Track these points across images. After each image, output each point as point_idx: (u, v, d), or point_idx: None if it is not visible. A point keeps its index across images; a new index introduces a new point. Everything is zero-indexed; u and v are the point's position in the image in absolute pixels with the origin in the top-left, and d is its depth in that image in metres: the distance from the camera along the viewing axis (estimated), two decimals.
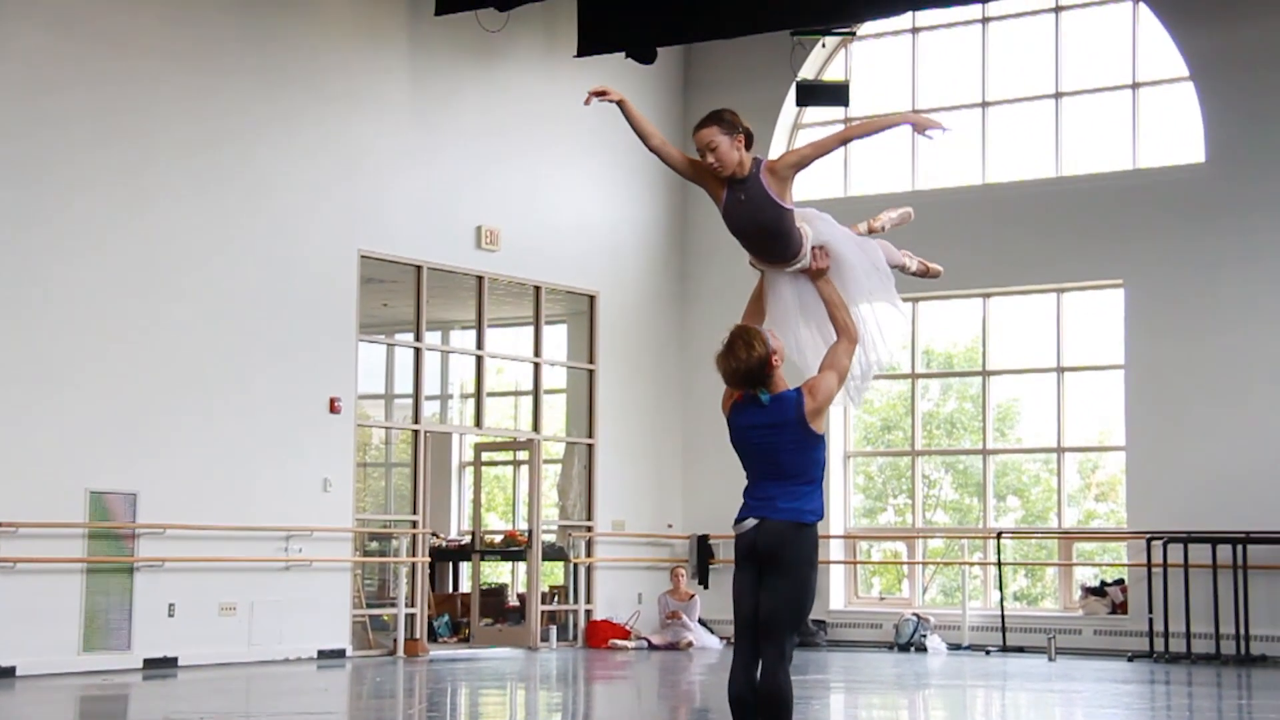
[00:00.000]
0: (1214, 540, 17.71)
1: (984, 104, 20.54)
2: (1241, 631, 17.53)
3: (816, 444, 6.96)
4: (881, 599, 20.77)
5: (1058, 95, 20.08)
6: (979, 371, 20.65)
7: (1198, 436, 18.49)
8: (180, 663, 15.65)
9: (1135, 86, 19.57)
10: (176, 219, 16.18)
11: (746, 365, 6.97)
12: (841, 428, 20.86)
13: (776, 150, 21.45)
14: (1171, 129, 19.42)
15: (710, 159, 7.19)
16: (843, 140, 7.53)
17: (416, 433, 18.67)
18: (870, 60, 21.39)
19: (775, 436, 6.97)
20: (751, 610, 6.86)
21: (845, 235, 7.56)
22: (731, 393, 7.17)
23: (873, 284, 7.53)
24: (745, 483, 7.02)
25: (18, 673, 14.43)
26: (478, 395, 19.51)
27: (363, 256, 17.84)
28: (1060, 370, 19.86)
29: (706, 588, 20.55)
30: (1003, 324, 20.55)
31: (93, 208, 15.53)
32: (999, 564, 19.41)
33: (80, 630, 15.04)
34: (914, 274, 7.99)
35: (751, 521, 6.86)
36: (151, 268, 15.93)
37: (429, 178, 18.60)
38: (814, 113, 21.31)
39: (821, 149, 7.38)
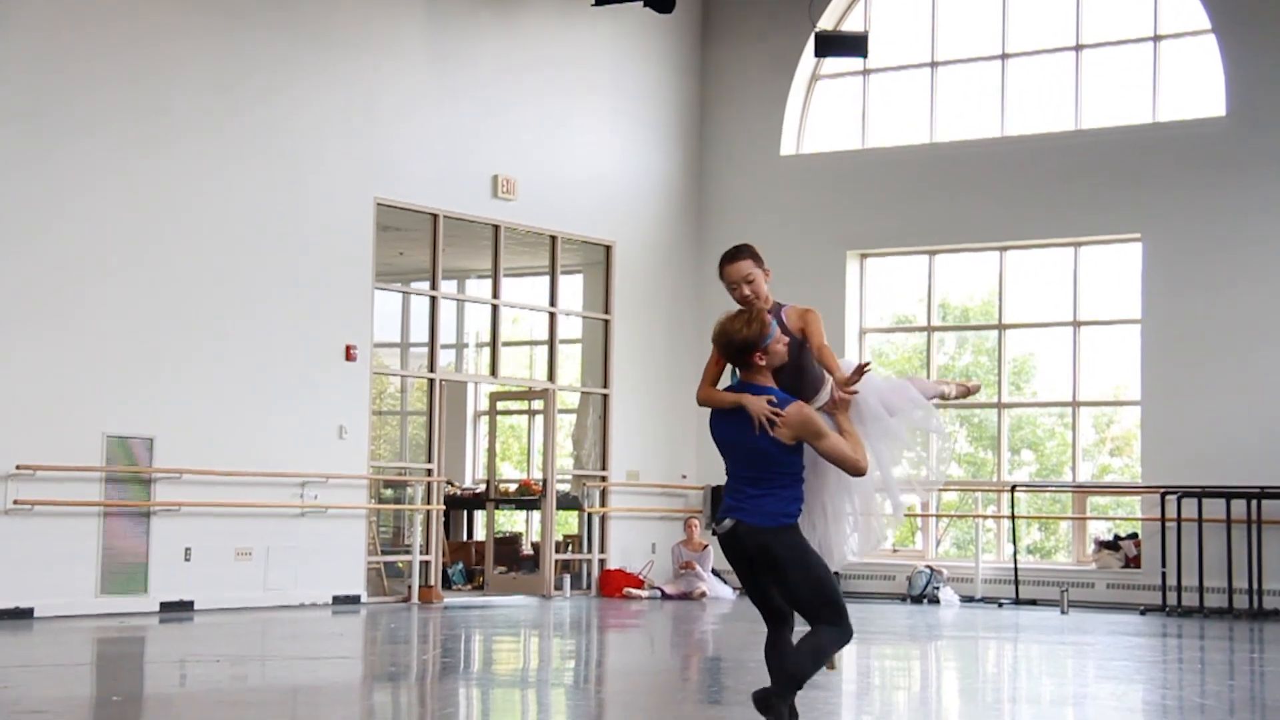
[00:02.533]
0: (1228, 495, 17.70)
1: (1004, 56, 20.44)
2: (1254, 586, 17.54)
3: (791, 452, 7.03)
4: (895, 551, 20.78)
5: (1078, 47, 19.97)
6: (995, 325, 20.62)
7: (1213, 391, 18.47)
8: (196, 607, 15.75)
9: (1156, 39, 19.45)
10: (192, 166, 16.18)
11: (738, 338, 7.14)
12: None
13: (793, 104, 21.40)
14: (1192, 82, 19.32)
15: (747, 290, 7.47)
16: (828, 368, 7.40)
17: (432, 381, 18.69)
18: (890, 11, 21.28)
19: (747, 438, 7.09)
20: (761, 600, 7.14)
21: (878, 382, 7.60)
22: (711, 377, 7.36)
23: (915, 417, 7.58)
24: None
25: (35, 614, 14.54)
26: (493, 344, 19.53)
27: (379, 204, 17.84)
28: (1076, 324, 19.82)
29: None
30: (1019, 277, 20.50)
31: (107, 154, 15.53)
32: (1013, 517, 19.42)
33: (98, 573, 15.13)
34: (955, 398, 7.93)
35: (728, 523, 7.05)
36: (169, 214, 15.94)
37: (446, 126, 18.58)
38: (832, 63, 21.22)
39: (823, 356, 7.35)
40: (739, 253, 7.66)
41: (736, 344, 7.14)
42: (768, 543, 6.97)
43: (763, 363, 7.13)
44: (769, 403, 7.00)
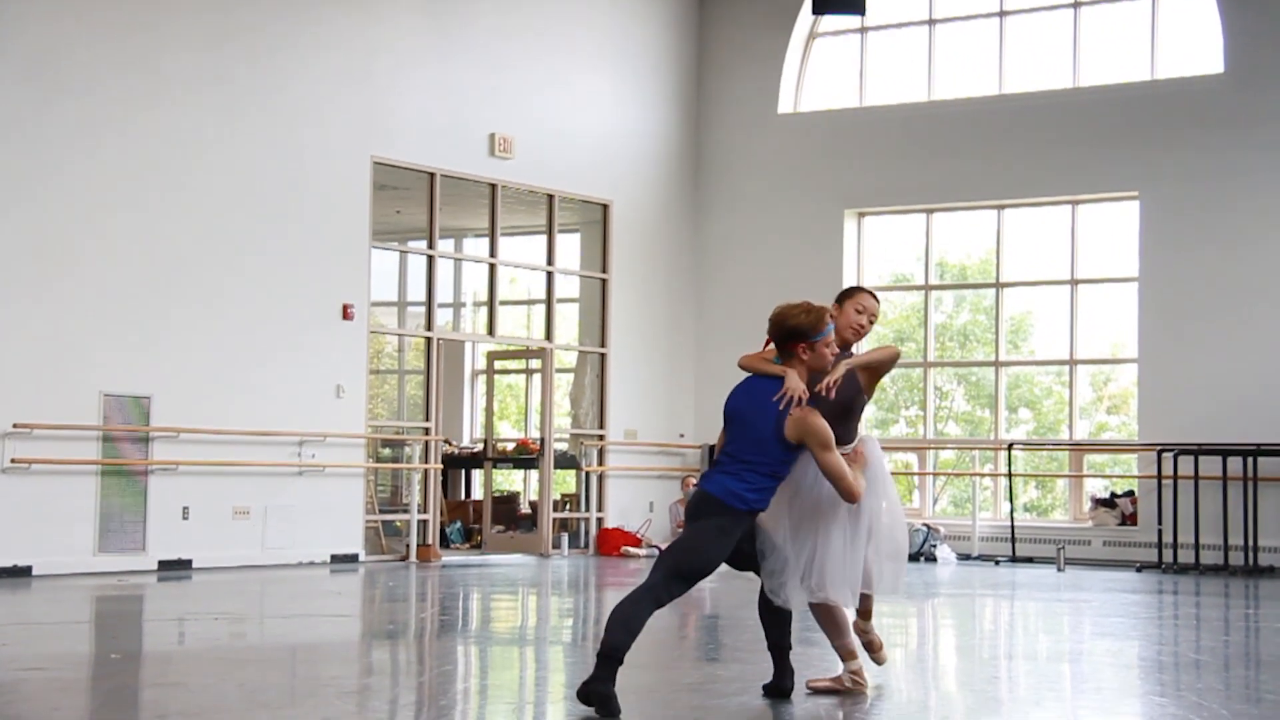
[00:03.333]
0: (1224, 452, 17.73)
1: (1001, 13, 20.37)
2: (1250, 543, 17.59)
3: (785, 449, 7.08)
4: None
5: (1076, 4, 19.91)
6: (992, 283, 20.62)
7: (1210, 349, 18.48)
8: (194, 565, 15.78)
9: None
10: (188, 125, 16.14)
11: (791, 323, 7.13)
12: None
13: (791, 62, 21.33)
14: (1190, 39, 19.27)
15: (865, 320, 7.69)
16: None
17: (429, 340, 18.69)
18: None
19: (753, 416, 7.14)
20: (745, 565, 7.34)
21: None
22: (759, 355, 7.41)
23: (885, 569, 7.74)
24: None
25: (34, 572, 14.58)
26: (490, 303, 19.52)
27: (375, 163, 17.80)
28: (1074, 282, 19.81)
29: None
30: (1017, 236, 20.49)
31: (103, 113, 15.49)
32: (1009, 475, 19.45)
33: (95, 532, 15.16)
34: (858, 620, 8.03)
35: (693, 490, 7.29)
36: (165, 173, 15.92)
37: (443, 84, 18.52)
38: (830, 21, 21.16)
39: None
40: (867, 291, 7.91)
41: (788, 328, 7.14)
42: (702, 506, 7.09)
43: (805, 357, 7.12)
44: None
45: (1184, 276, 18.73)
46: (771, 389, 7.12)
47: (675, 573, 7.07)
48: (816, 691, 7.63)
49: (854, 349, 7.85)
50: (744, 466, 7.10)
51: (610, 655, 6.89)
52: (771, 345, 7.30)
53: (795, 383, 7.08)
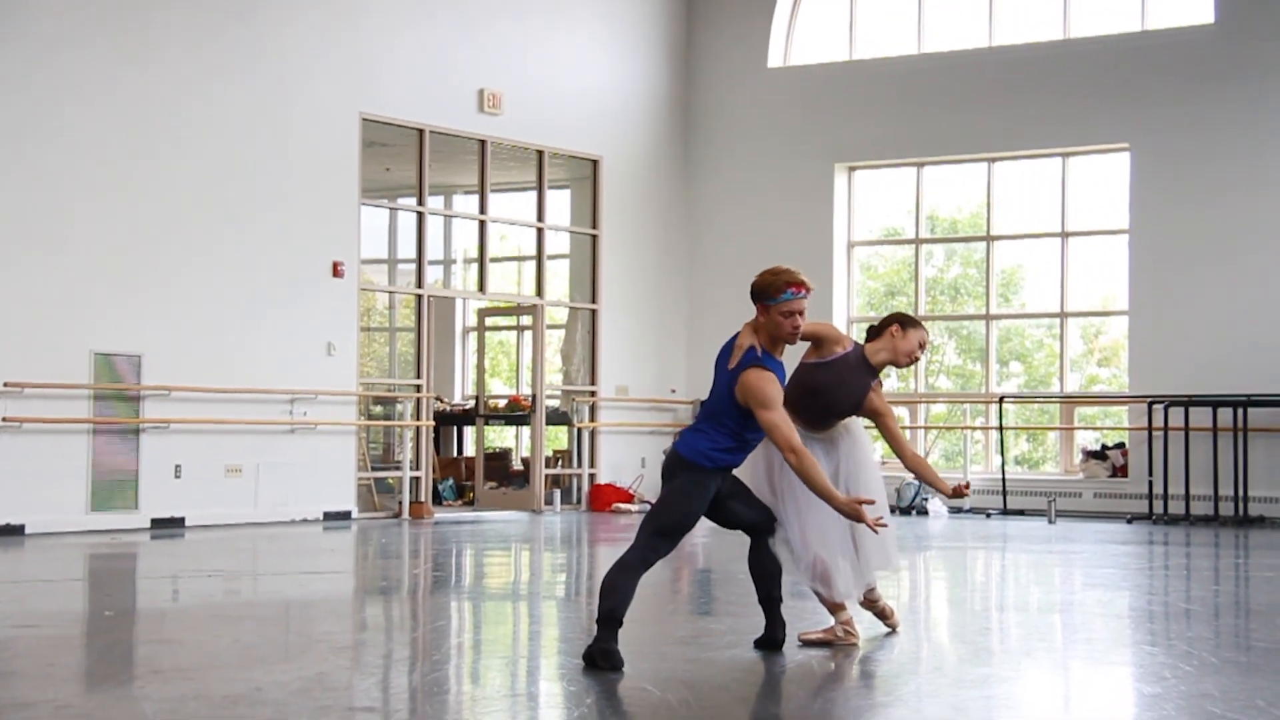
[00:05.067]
0: (1215, 404, 17.78)
1: None
2: (1240, 493, 17.66)
3: (738, 409, 7.13)
4: (883, 463, 20.86)
5: None
6: (983, 237, 20.62)
7: (1201, 301, 18.50)
8: (187, 523, 15.81)
9: None
10: (176, 83, 16.08)
11: (755, 282, 7.19)
12: (845, 293, 20.85)
13: (780, 16, 21.26)
14: None
15: (919, 356, 8.04)
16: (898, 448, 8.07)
17: (420, 297, 18.67)
18: None
19: (717, 376, 7.28)
20: (729, 522, 7.47)
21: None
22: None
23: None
24: None
25: (26, 531, 14.60)
26: (481, 260, 19.50)
27: (364, 119, 17.75)
28: (1065, 235, 19.81)
29: None
30: (1007, 189, 20.48)
31: (90, 72, 15.43)
32: (1000, 428, 19.49)
33: (88, 490, 15.18)
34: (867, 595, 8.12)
35: (667, 449, 7.39)
36: (153, 132, 15.87)
37: (431, 40, 18.45)
38: None
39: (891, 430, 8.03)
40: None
41: (752, 287, 7.22)
42: (675, 465, 7.20)
43: (761, 319, 7.12)
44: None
45: (1174, 228, 18.73)
46: (734, 349, 7.24)
47: (658, 532, 7.17)
48: (809, 644, 7.66)
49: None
50: (711, 425, 7.22)
51: (609, 617, 6.99)
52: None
53: (743, 339, 7.16)
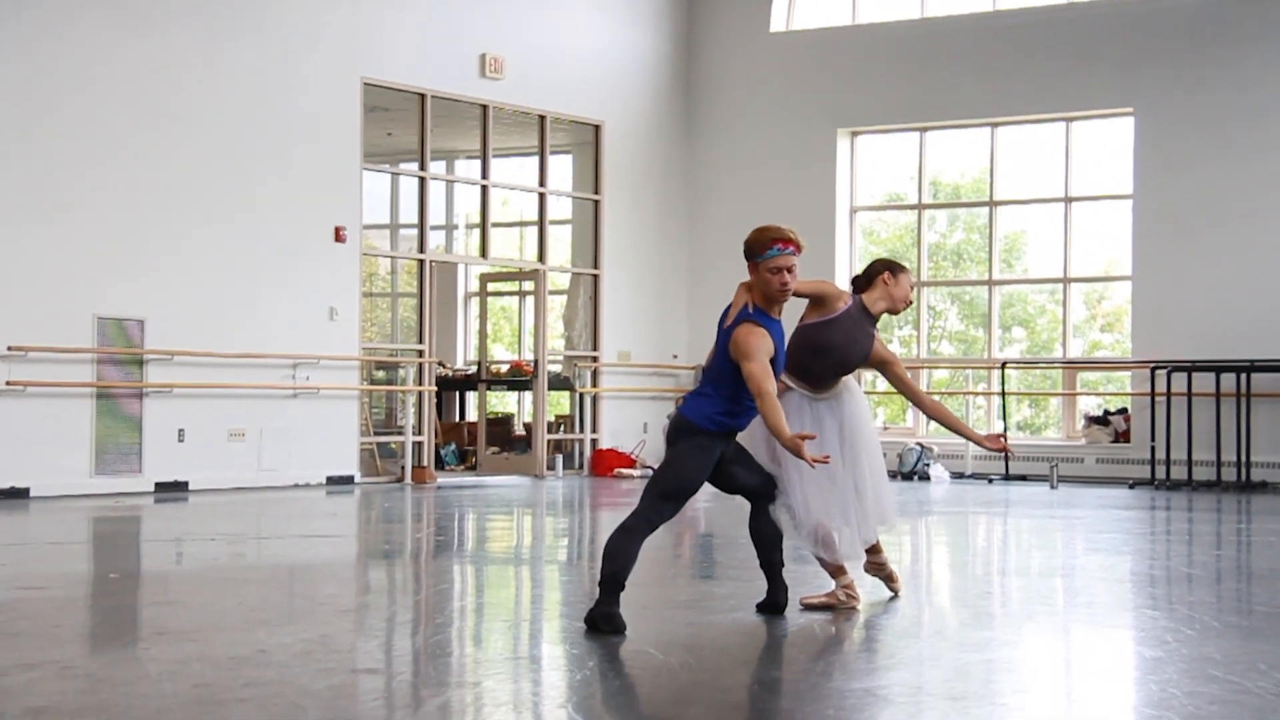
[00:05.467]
0: (1218, 369, 17.77)
1: None
2: (1243, 458, 17.67)
3: (733, 369, 7.12)
4: (885, 429, 20.89)
5: None
6: (986, 202, 20.59)
7: (1204, 266, 18.48)
8: (190, 487, 15.84)
9: None
10: (179, 48, 16.05)
11: (750, 239, 7.19)
12: (848, 258, 20.84)
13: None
14: None
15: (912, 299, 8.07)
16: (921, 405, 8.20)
17: (422, 263, 18.66)
18: None
19: (718, 338, 7.29)
20: (729, 487, 7.47)
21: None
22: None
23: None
24: None
25: (31, 494, 14.64)
26: (483, 225, 19.48)
27: (366, 84, 17.71)
28: (1068, 200, 19.78)
29: None
30: (1010, 154, 20.44)
31: (93, 38, 15.40)
32: (1003, 394, 19.49)
33: (91, 453, 15.21)
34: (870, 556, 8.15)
35: (670, 414, 7.22)
36: (157, 97, 15.84)
37: (432, 4, 18.40)
38: None
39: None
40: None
41: (744, 246, 7.23)
42: (680, 429, 7.20)
43: (753, 276, 7.13)
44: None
45: (1178, 193, 18.70)
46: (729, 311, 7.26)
47: (662, 495, 7.17)
48: (810, 608, 7.68)
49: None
50: (714, 388, 7.21)
51: (611, 581, 7.00)
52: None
53: (737, 299, 7.18)
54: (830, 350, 7.69)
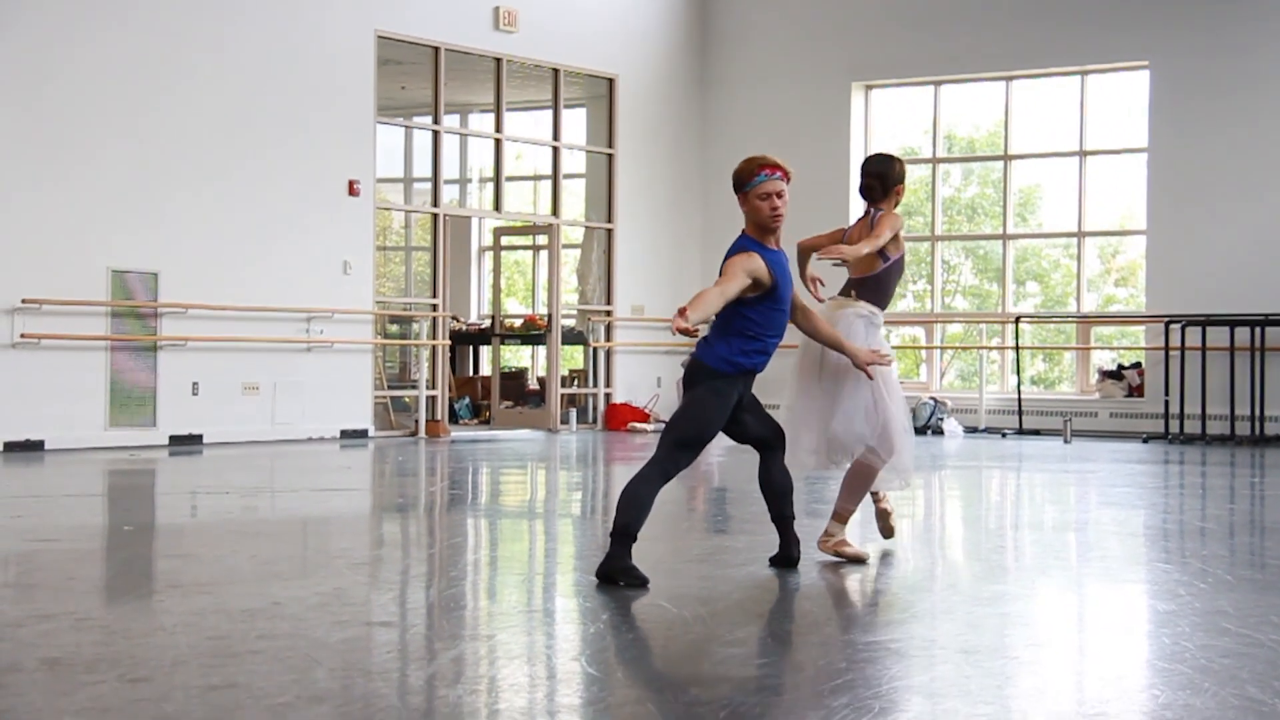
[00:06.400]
0: (1232, 323, 17.74)
1: None
2: (1256, 412, 17.66)
3: (737, 302, 7.11)
4: (900, 383, 20.84)
5: None
6: (1000, 156, 20.52)
7: (1218, 220, 18.43)
8: (205, 440, 15.88)
9: None
10: (190, 2, 16.03)
11: (737, 170, 7.20)
12: (862, 212, 20.74)
13: None
14: None
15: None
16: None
17: (436, 216, 18.65)
18: None
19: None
20: (739, 435, 7.45)
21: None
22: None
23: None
24: None
25: (46, 446, 14.69)
26: (496, 179, 19.45)
27: (379, 37, 17.67)
28: (1082, 154, 19.71)
29: None
30: (1025, 107, 20.36)
31: None
32: (1017, 348, 19.47)
33: (106, 406, 15.25)
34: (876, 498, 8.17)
35: (686, 358, 7.23)
36: (170, 50, 15.82)
37: None
38: None
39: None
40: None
41: (733, 179, 7.24)
42: (696, 373, 7.20)
43: (744, 208, 7.12)
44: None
45: (1193, 147, 18.62)
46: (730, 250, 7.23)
47: (679, 443, 7.14)
48: (835, 553, 7.69)
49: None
50: (723, 330, 7.19)
51: (624, 532, 6.97)
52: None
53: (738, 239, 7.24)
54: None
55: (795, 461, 7.61)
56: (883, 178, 7.82)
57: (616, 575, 6.93)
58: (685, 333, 6.67)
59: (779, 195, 7.10)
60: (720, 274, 7.08)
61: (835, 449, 7.71)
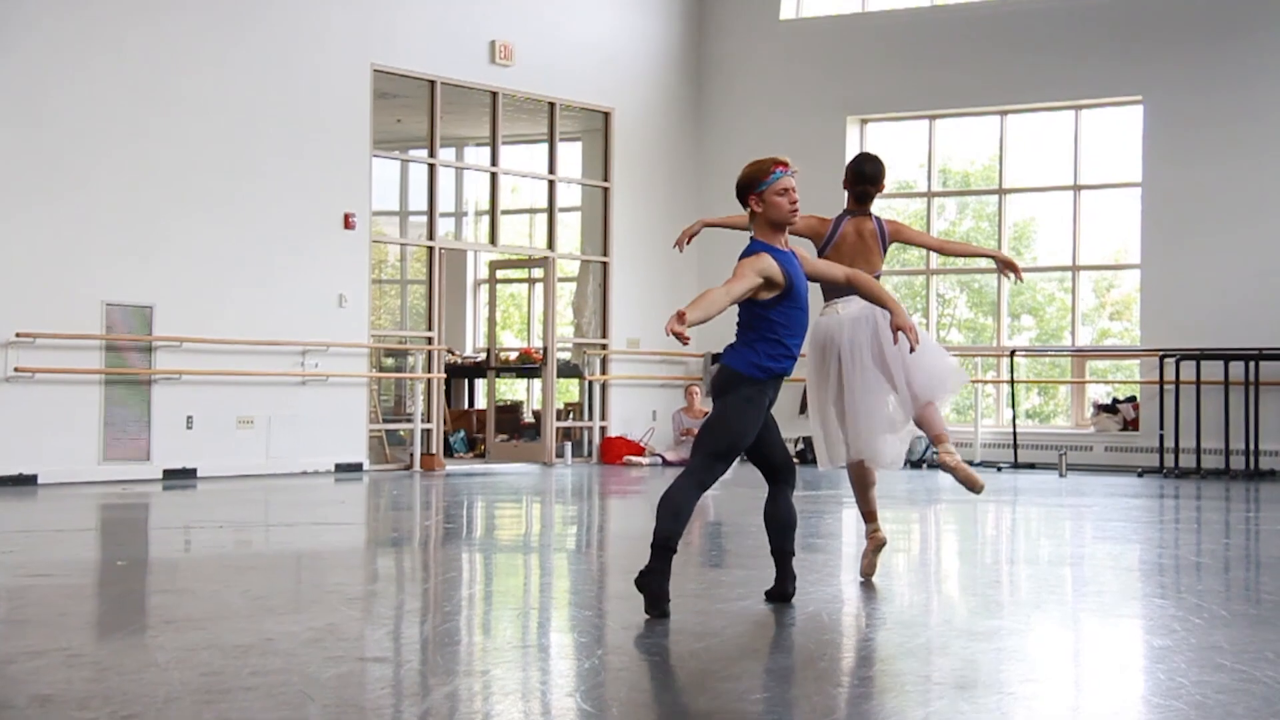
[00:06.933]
0: (1226, 357, 17.75)
1: None
2: (1251, 447, 17.65)
3: (750, 304, 7.15)
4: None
5: None
6: (995, 190, 20.56)
7: (1213, 254, 18.45)
8: (199, 474, 15.85)
9: None
10: (188, 33, 16.05)
11: (739, 178, 7.23)
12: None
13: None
14: None
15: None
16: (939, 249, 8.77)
17: (431, 249, 18.66)
18: None
19: None
20: (756, 456, 7.46)
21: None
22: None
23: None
24: None
25: (39, 480, 14.65)
26: (492, 212, 19.47)
27: (376, 70, 17.71)
28: (1077, 188, 19.75)
29: None
30: (1020, 141, 20.40)
31: (102, 22, 15.40)
32: (1012, 382, 19.47)
33: (100, 440, 15.22)
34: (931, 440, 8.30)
35: (714, 367, 7.22)
36: (166, 82, 15.84)
37: None
38: None
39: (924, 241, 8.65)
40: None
41: (738, 184, 7.22)
42: (726, 381, 7.19)
43: (759, 209, 7.12)
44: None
45: (1187, 181, 18.67)
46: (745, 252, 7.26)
47: (712, 453, 7.13)
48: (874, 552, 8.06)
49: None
50: (750, 334, 7.20)
51: (664, 545, 7.01)
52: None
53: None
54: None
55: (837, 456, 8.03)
56: (877, 181, 8.25)
57: (647, 594, 6.99)
58: (678, 336, 6.65)
59: (794, 189, 7.16)
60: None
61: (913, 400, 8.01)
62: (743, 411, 7.15)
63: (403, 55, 18.04)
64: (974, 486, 7.83)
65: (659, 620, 6.86)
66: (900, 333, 7.21)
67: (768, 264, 7.06)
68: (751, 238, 7.20)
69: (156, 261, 15.75)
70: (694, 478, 7.12)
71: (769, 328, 7.15)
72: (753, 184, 7.14)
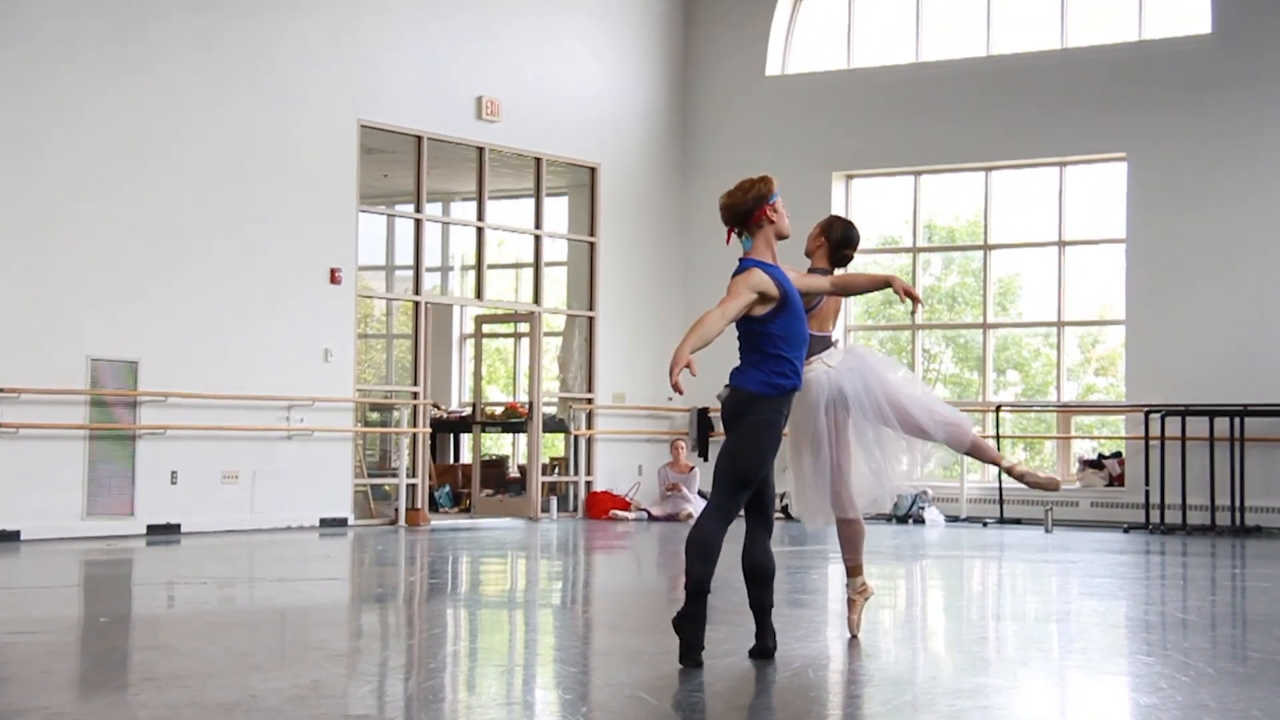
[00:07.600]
0: (1211, 413, 17.77)
1: None
2: (1237, 503, 17.65)
3: (748, 321, 7.23)
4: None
5: None
6: (980, 245, 20.62)
7: (1198, 310, 18.51)
8: (183, 530, 15.79)
9: None
10: (174, 89, 16.08)
11: (749, 195, 7.37)
12: (844, 300, 20.79)
13: (778, 24, 21.28)
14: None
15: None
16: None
17: (417, 304, 18.66)
18: None
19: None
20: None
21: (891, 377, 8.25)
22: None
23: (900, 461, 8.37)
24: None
25: (22, 537, 14.58)
26: (478, 267, 19.49)
27: (362, 126, 17.75)
28: (1061, 244, 19.82)
29: (706, 460, 20.51)
30: (1005, 198, 20.48)
31: (88, 78, 15.42)
32: (998, 437, 19.47)
33: (83, 496, 15.16)
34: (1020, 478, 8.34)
35: (724, 390, 7.29)
36: (151, 138, 15.86)
37: (429, 47, 18.46)
38: None
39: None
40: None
41: (749, 199, 7.33)
42: (740, 404, 7.20)
43: (774, 217, 7.30)
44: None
45: (1171, 238, 18.74)
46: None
47: (734, 483, 7.16)
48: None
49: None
50: (753, 353, 7.26)
51: (697, 588, 7.05)
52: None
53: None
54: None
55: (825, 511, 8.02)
56: (857, 247, 8.39)
57: (683, 639, 7.07)
58: (686, 371, 6.82)
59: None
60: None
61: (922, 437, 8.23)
62: (760, 435, 7.16)
63: (389, 111, 18.09)
64: (1051, 488, 8.05)
65: (692, 670, 6.87)
66: (909, 299, 7.64)
67: (760, 279, 7.13)
68: (741, 257, 7.29)
69: (142, 316, 15.72)
70: (718, 513, 7.15)
71: (769, 343, 7.19)
72: (762, 198, 7.32)
